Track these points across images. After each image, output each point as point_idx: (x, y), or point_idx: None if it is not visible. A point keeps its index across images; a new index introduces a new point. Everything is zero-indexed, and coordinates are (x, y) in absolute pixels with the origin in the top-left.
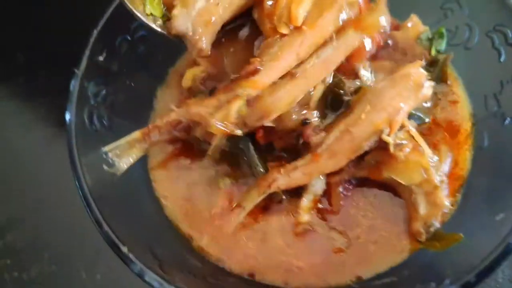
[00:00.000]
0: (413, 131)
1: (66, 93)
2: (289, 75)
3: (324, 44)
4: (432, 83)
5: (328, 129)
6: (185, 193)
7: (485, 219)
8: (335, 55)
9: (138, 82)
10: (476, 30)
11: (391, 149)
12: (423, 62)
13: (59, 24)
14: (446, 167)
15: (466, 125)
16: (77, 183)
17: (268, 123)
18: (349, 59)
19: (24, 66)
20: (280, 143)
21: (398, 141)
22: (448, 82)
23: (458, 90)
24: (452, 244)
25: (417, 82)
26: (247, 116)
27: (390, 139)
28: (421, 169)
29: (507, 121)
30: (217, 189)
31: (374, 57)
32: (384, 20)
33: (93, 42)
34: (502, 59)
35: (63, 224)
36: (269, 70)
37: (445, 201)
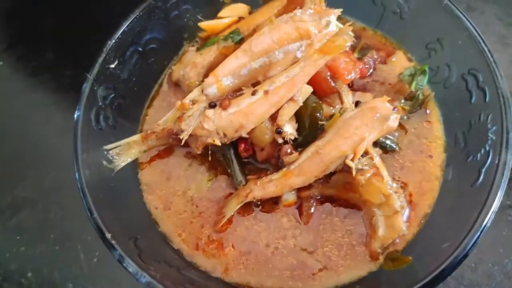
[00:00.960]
0: (376, 159)
1: None
2: (263, 92)
3: (293, 65)
4: (398, 116)
5: (302, 151)
6: (167, 193)
7: (435, 246)
8: (301, 74)
9: (145, 89)
10: (455, 71)
11: (353, 172)
12: (386, 97)
13: (89, 26)
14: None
15: (439, 159)
16: (76, 174)
17: (244, 134)
18: (333, 78)
19: (53, 64)
20: (262, 156)
21: (360, 167)
22: (427, 112)
23: (438, 126)
24: (403, 265)
25: (383, 115)
26: (226, 128)
27: (352, 164)
28: (380, 193)
29: (470, 159)
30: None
31: (359, 88)
32: (346, 43)
33: (107, 51)
34: (473, 100)
35: (71, 210)
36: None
37: (403, 226)
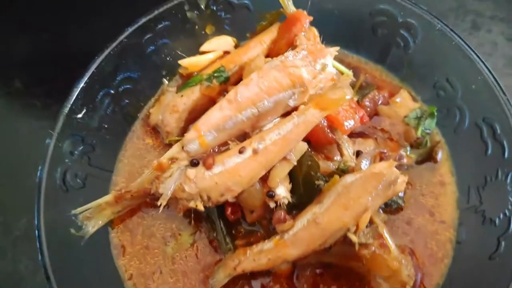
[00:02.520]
0: (382, 230)
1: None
2: (252, 151)
3: (285, 119)
4: (405, 179)
5: (296, 214)
6: (143, 256)
7: None
8: (295, 131)
9: (118, 136)
10: (467, 116)
11: (356, 247)
12: (392, 161)
13: (63, 55)
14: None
15: (450, 217)
16: (40, 258)
17: (231, 199)
18: (330, 128)
19: (22, 93)
20: (251, 219)
21: (364, 240)
22: (438, 158)
23: (449, 178)
24: None
25: (390, 181)
26: (211, 190)
27: (355, 238)
28: (387, 267)
29: (486, 221)
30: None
31: (358, 133)
32: (345, 97)
33: (72, 100)
34: (488, 152)
35: None
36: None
37: None
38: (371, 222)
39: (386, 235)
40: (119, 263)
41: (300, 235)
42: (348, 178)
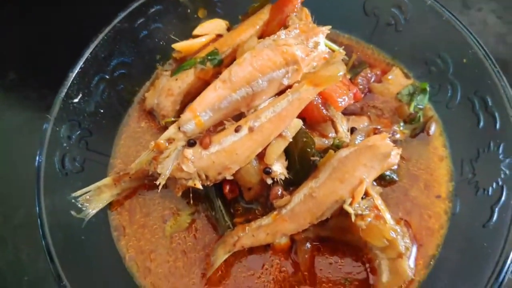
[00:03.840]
0: (377, 201)
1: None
2: (247, 129)
3: (280, 97)
4: (399, 151)
5: (293, 190)
6: (143, 236)
7: None
8: (289, 109)
9: (115, 121)
10: (459, 91)
11: (352, 218)
12: (385, 134)
13: (56, 44)
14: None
15: (445, 189)
16: (43, 241)
17: (229, 177)
18: (324, 105)
19: (16, 85)
20: (249, 196)
21: (360, 212)
22: (430, 133)
23: (442, 151)
24: None
25: (384, 153)
26: (208, 169)
27: (351, 210)
28: (383, 237)
29: (479, 192)
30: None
31: (352, 111)
32: (338, 73)
33: (68, 85)
34: (480, 125)
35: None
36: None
37: (408, 271)
38: (366, 194)
39: (381, 206)
40: (120, 244)
41: (298, 209)
42: (343, 152)
